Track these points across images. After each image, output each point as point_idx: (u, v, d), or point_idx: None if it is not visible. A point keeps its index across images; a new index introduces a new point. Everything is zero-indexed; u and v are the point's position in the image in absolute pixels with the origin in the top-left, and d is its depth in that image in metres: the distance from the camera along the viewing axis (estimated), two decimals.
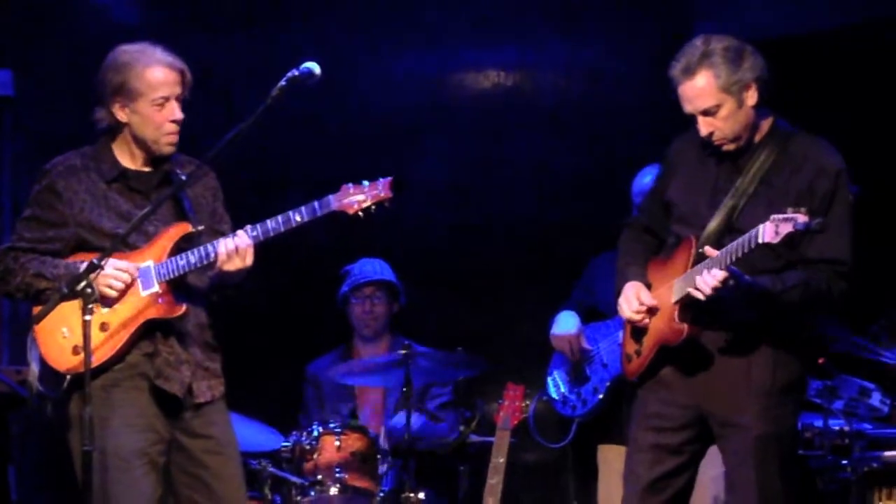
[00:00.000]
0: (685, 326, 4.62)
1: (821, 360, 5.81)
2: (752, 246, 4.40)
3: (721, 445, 4.76)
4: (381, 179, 4.57)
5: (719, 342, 4.67)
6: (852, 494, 5.43)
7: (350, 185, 4.56)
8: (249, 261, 4.52)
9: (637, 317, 4.74)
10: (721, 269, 4.47)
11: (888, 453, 5.53)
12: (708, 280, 4.49)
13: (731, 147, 4.68)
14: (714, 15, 7.15)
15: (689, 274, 4.60)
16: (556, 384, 6.13)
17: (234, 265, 4.51)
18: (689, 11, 7.19)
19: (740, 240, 4.45)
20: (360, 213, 4.55)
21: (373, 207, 4.55)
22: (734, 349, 4.66)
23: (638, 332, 4.81)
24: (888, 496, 5.33)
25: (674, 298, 4.66)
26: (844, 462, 5.65)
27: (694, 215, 4.73)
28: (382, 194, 4.56)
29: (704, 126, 4.65)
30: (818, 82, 6.75)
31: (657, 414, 4.76)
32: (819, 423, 5.78)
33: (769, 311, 4.59)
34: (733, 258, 4.46)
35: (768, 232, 4.35)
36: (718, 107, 4.61)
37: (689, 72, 4.61)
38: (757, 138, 4.71)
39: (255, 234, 4.53)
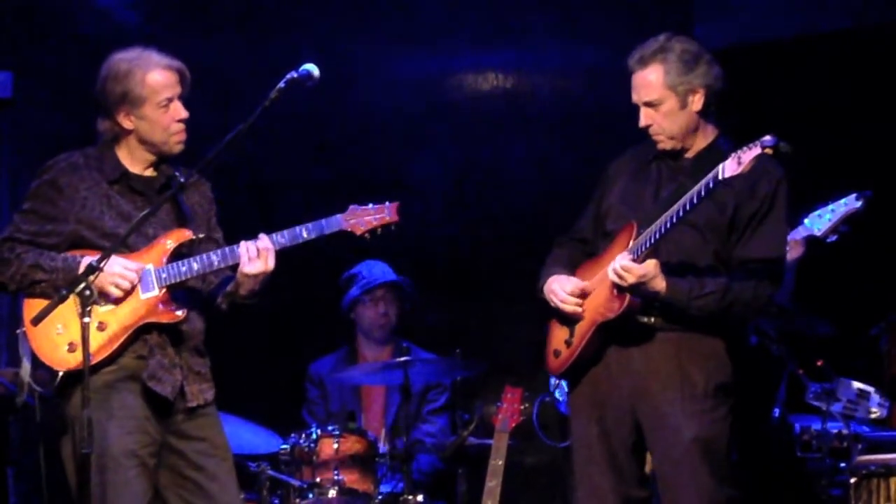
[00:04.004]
0: (625, 296, 4.61)
1: (819, 363, 5.81)
2: (711, 187, 4.43)
3: (652, 448, 4.76)
4: (387, 203, 4.63)
5: (652, 342, 4.70)
6: (851, 498, 5.42)
7: (357, 206, 4.62)
8: (271, 264, 4.55)
9: (570, 299, 4.74)
10: (671, 221, 4.51)
11: (887, 456, 5.52)
12: (624, 264, 4.54)
13: (666, 145, 4.77)
14: (713, 17, 7.15)
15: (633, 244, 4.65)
16: (561, 385, 6.10)
17: (255, 268, 4.53)
18: (689, 13, 7.19)
19: (693, 190, 4.47)
20: (367, 235, 4.61)
21: (379, 230, 4.60)
22: (667, 350, 4.69)
23: (568, 322, 4.82)
24: (886, 499, 5.32)
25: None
26: (843, 465, 5.63)
27: (637, 209, 4.77)
28: (388, 218, 4.62)
29: (644, 117, 4.76)
30: (817, 85, 6.76)
31: (594, 417, 4.79)
32: (817, 425, 5.78)
33: (682, 313, 4.63)
34: (681, 213, 4.49)
35: (730, 166, 4.38)
36: (661, 102, 4.72)
37: (643, 62, 4.75)
38: (699, 146, 4.78)
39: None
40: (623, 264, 4.56)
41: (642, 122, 4.76)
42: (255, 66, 7.09)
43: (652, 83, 4.72)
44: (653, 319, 4.70)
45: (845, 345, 6.05)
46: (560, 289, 4.79)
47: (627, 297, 4.60)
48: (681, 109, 4.72)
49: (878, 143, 6.60)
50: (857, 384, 5.82)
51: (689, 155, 4.79)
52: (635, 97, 4.77)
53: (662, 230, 4.55)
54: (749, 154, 4.35)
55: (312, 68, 4.49)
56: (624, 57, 6.93)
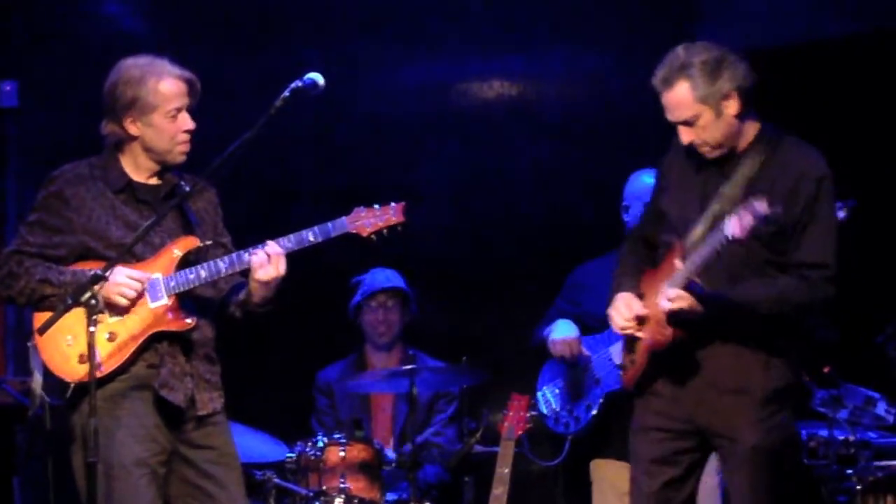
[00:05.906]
0: (670, 330, 4.60)
1: (826, 369, 5.80)
2: (724, 243, 4.41)
3: (720, 456, 4.76)
4: (392, 204, 4.61)
5: (710, 352, 4.67)
6: None
7: (362, 208, 4.60)
8: (282, 269, 4.54)
9: (628, 325, 4.73)
10: (690, 275, 4.50)
11: (893, 462, 5.52)
12: (669, 295, 4.53)
13: (714, 154, 4.70)
14: (717, 24, 7.16)
15: (671, 280, 4.61)
16: (547, 400, 6.08)
17: (267, 274, 4.53)
18: (693, 20, 7.19)
19: (709, 243, 4.47)
20: (373, 236, 4.59)
21: (385, 231, 4.59)
22: (725, 359, 4.66)
23: (631, 342, 4.80)
24: None
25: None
26: (849, 472, 5.65)
27: (683, 223, 4.72)
28: (394, 218, 4.60)
29: (684, 135, 4.68)
30: (819, 90, 6.75)
31: (653, 427, 4.76)
32: (824, 432, 5.78)
33: (733, 323, 4.61)
34: (701, 265, 4.49)
35: (733, 225, 4.37)
36: (696, 117, 4.63)
37: (668, 83, 4.66)
38: (743, 145, 4.72)
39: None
40: (669, 300, 4.54)
41: (684, 140, 4.68)
42: (260, 74, 7.10)
43: (682, 101, 4.63)
44: (708, 333, 4.65)
45: (852, 351, 6.05)
46: (618, 315, 4.75)
47: (671, 330, 4.59)
48: (718, 118, 4.63)
49: (881, 148, 6.60)
50: (863, 391, 5.83)
51: (734, 159, 4.71)
52: (670, 117, 4.69)
53: (692, 270, 4.53)
54: (746, 220, 4.34)
55: (317, 77, 4.48)
56: (627, 64, 6.98)
